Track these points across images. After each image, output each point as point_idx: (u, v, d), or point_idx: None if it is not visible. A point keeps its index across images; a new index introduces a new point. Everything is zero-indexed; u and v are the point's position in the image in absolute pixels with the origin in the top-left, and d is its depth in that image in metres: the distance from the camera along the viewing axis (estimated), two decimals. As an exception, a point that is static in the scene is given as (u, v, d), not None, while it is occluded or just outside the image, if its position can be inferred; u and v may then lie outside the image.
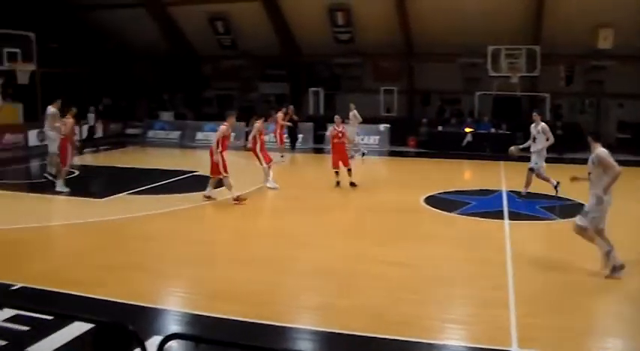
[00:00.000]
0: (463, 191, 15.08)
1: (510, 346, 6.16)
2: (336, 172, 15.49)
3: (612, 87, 24.55)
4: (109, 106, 29.10)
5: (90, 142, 23.86)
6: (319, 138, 25.14)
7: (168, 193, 14.58)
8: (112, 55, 28.80)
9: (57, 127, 15.66)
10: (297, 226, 11.74)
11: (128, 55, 29.58)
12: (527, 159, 14.28)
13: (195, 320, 6.83)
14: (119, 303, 7.19)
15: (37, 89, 23.92)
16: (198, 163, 17.87)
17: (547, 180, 13.94)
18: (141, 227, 11.37)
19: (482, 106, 25.33)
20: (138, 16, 26.69)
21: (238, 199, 13.32)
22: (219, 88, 30.48)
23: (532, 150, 14.04)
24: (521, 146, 14.54)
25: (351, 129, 19.96)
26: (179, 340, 5.02)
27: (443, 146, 23.80)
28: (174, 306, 7.37)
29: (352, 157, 17.13)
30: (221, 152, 13.23)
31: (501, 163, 19.03)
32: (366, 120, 24.80)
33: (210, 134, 22.49)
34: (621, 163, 8.33)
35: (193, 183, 15.12)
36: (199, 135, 26.92)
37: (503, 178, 16.89)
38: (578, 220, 8.39)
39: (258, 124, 15.72)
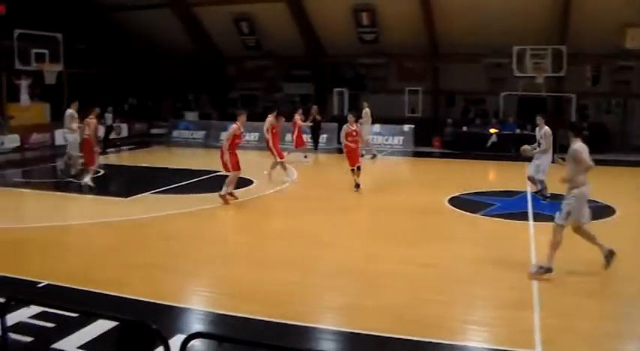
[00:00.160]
0: (487, 192, 14.99)
1: (534, 348, 6.08)
2: (352, 170, 14.91)
3: (639, 87, 24.23)
4: (135, 105, 29.43)
5: (109, 142, 23.74)
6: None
7: (192, 192, 14.67)
8: (137, 56, 29.08)
9: (76, 128, 15.80)
10: (320, 226, 11.72)
11: (154, 55, 29.82)
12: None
13: (219, 320, 6.85)
14: (142, 301, 7.25)
15: (64, 89, 24.27)
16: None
17: (534, 182, 13.88)
18: (163, 227, 11.45)
19: (507, 106, 25.06)
20: (163, 16, 26.87)
21: (224, 197, 13.18)
22: (244, 89, 30.59)
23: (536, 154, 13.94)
24: (530, 147, 14.35)
25: (365, 128, 19.91)
26: (202, 339, 5.03)
27: (467, 147, 23.67)
28: (197, 305, 7.40)
29: (362, 155, 17.01)
30: (230, 151, 13.22)
31: (526, 164, 18.78)
32: (391, 120, 24.83)
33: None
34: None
35: (216, 183, 15.14)
36: (224, 135, 26.79)
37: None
38: (556, 219, 8.30)
39: (269, 118, 16.50)
